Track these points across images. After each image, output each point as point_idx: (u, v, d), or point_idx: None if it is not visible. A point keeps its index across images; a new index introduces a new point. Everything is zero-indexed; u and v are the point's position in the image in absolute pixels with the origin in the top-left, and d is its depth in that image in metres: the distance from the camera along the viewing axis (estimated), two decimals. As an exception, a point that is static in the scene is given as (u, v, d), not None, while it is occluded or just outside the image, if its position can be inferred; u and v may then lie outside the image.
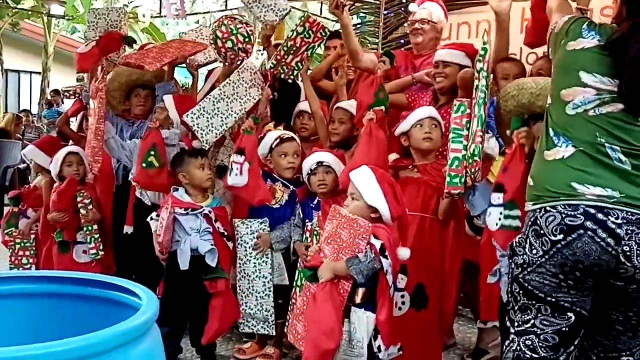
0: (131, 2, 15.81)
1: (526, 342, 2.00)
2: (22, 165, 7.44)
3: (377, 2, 5.65)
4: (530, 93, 2.51)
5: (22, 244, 4.04)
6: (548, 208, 1.93)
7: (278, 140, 3.31)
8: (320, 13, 8.71)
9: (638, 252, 1.85)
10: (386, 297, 2.41)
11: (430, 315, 2.95)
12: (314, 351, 2.39)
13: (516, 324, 2.04)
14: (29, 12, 15.82)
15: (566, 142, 1.98)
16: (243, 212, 3.41)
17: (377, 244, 2.37)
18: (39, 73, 16.61)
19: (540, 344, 1.98)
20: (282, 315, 3.30)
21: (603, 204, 1.87)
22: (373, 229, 2.41)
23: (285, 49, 3.40)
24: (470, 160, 2.62)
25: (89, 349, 1.25)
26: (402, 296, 2.88)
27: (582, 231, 1.86)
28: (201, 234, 3.16)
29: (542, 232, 1.93)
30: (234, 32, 3.48)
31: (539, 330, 1.98)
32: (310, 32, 3.38)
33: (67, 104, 7.98)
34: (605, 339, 2.07)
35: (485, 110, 2.64)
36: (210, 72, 4.29)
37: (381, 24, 5.53)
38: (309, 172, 3.14)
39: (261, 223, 3.30)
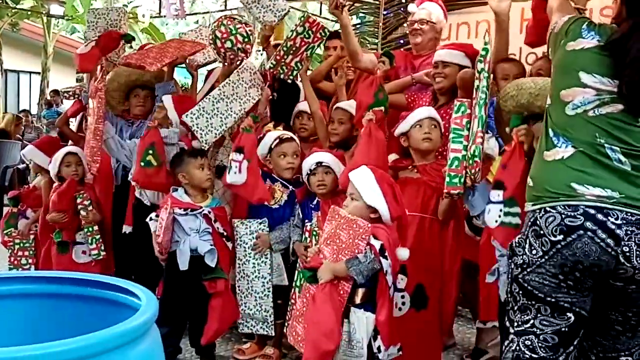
0: (131, 2, 15.80)
1: (526, 342, 2.00)
2: (21, 166, 7.43)
3: (377, 3, 5.65)
4: (529, 93, 2.52)
5: (22, 245, 4.04)
6: (548, 208, 1.93)
7: (277, 141, 3.31)
8: (320, 13, 8.71)
9: (637, 252, 1.85)
10: (386, 298, 2.41)
11: (430, 315, 2.95)
12: (314, 352, 2.39)
13: (516, 324, 2.04)
14: (29, 12, 15.83)
15: (566, 142, 1.98)
16: (242, 212, 3.41)
17: (377, 244, 2.37)
18: (39, 73, 16.61)
19: (540, 344, 1.98)
20: (281, 315, 3.29)
21: (603, 205, 1.87)
22: (372, 229, 2.40)
23: (284, 49, 3.40)
24: (471, 161, 2.62)
25: (88, 349, 1.25)
26: (403, 297, 2.88)
27: (582, 232, 1.86)
28: (200, 234, 3.16)
29: (541, 232, 1.93)
30: (233, 32, 3.48)
31: (538, 330, 1.98)
32: (309, 32, 3.37)
33: (67, 104, 7.99)
34: (604, 339, 2.07)
35: (486, 111, 2.64)
36: (209, 72, 4.29)
37: (380, 24, 5.53)
38: (309, 172, 3.14)
39: (260, 223, 3.30)
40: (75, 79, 11.59)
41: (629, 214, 1.85)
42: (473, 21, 4.77)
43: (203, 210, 3.17)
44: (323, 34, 3.43)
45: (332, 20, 7.07)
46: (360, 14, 6.26)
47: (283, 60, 3.43)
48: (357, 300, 2.44)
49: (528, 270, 1.97)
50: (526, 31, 3.32)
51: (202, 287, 3.14)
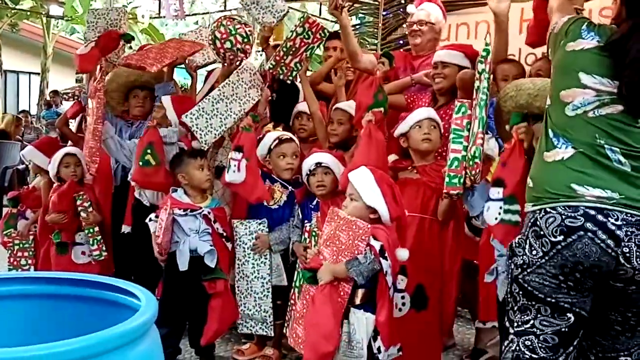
0: (130, 2, 15.80)
1: (525, 342, 2.01)
2: (21, 166, 7.44)
3: (376, 3, 5.65)
4: (528, 94, 2.52)
5: (21, 245, 4.03)
6: (548, 209, 1.93)
7: (277, 141, 3.31)
8: (319, 14, 8.70)
9: (637, 253, 1.85)
10: (386, 298, 2.41)
11: (431, 316, 2.95)
12: (313, 354, 2.39)
13: (515, 324, 2.05)
14: (28, 13, 15.84)
15: (566, 143, 1.98)
16: (242, 212, 3.41)
17: (377, 245, 2.37)
18: (38, 74, 16.59)
19: (540, 345, 1.98)
20: (280, 316, 3.29)
21: (603, 206, 1.87)
22: (372, 230, 2.40)
23: (284, 49, 3.40)
24: (471, 162, 2.61)
25: (87, 350, 1.25)
26: (403, 297, 2.88)
27: (582, 232, 1.87)
28: (200, 234, 3.16)
29: (542, 233, 1.93)
30: (233, 32, 3.48)
31: (538, 330, 1.99)
32: (309, 33, 3.38)
33: (66, 105, 7.99)
34: (604, 339, 2.08)
35: (486, 112, 2.64)
36: (209, 73, 4.29)
37: (380, 25, 5.52)
38: (308, 173, 3.14)
39: (260, 224, 3.30)
40: (75, 79, 11.58)
41: (629, 215, 1.86)
42: (472, 22, 4.76)
43: (203, 210, 3.17)
44: (322, 35, 3.43)
45: (331, 21, 7.06)
46: (360, 15, 6.25)
47: (282, 60, 3.43)
48: (357, 300, 2.44)
49: (528, 270, 1.97)
50: (527, 31, 3.32)
51: (201, 287, 3.14)
